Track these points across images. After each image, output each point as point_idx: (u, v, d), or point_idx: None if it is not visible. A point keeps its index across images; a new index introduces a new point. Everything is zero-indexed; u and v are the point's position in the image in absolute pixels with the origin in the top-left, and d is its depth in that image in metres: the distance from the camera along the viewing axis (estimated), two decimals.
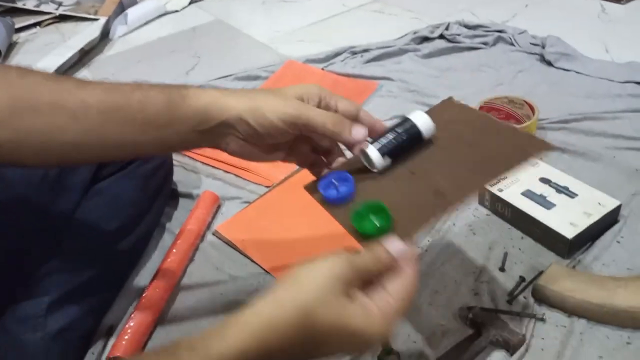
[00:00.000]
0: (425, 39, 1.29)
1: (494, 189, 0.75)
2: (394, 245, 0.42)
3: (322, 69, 1.23)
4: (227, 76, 1.24)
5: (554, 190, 0.74)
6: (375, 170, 0.52)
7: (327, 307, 0.37)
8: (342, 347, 0.39)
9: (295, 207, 0.83)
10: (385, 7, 1.56)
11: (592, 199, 0.71)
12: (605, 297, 0.59)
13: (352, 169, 0.53)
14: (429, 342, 0.61)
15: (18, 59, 1.52)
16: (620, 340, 0.58)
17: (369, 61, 1.24)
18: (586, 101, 0.99)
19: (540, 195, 0.73)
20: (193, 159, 0.98)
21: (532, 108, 0.90)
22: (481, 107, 0.92)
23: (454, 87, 1.10)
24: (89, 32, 1.52)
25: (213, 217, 0.83)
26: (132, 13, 1.62)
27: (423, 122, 0.53)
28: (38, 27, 1.70)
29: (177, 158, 0.90)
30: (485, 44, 1.24)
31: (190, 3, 1.75)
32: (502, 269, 0.68)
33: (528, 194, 0.74)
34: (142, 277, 0.74)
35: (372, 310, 0.38)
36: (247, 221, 0.82)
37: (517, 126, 0.87)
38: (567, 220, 0.69)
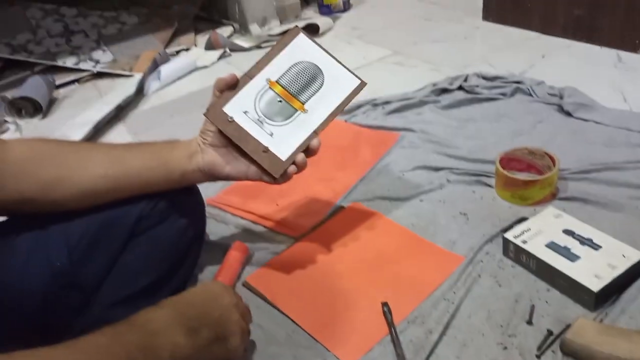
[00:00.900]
0: (445, 91, 1.34)
1: (518, 241, 0.77)
2: None
3: (345, 120, 1.28)
4: None
5: (577, 242, 0.75)
6: None
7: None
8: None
9: (322, 257, 0.85)
10: (404, 59, 1.62)
11: (616, 251, 0.72)
12: (634, 350, 0.59)
13: None
14: None
15: (57, 114, 1.61)
16: None
17: (390, 113, 1.28)
18: (606, 151, 1.01)
19: (565, 247, 0.75)
20: (223, 210, 1.02)
21: (552, 159, 0.92)
22: (502, 159, 0.94)
23: (474, 137, 1.13)
24: (124, 88, 1.61)
25: (243, 268, 0.86)
26: (165, 70, 1.72)
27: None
28: (77, 83, 1.80)
29: (207, 210, 0.94)
30: (503, 94, 1.27)
31: (219, 59, 1.84)
32: (529, 322, 0.69)
33: (552, 246, 0.75)
34: None
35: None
36: (276, 272, 0.84)
37: (539, 177, 0.89)
38: (592, 272, 0.69)
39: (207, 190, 1.03)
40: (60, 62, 1.84)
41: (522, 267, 0.78)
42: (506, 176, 0.90)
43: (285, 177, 0.71)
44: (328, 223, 0.94)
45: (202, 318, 0.58)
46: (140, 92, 1.64)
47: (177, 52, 1.93)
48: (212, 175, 0.73)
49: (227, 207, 1.02)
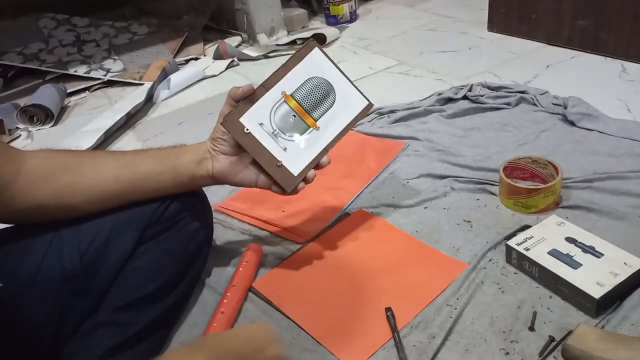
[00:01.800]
0: (450, 100, 1.35)
1: (520, 248, 0.78)
2: None
3: (351, 129, 1.29)
4: None
5: (580, 250, 0.76)
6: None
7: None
8: None
9: (328, 262, 0.87)
10: (410, 69, 1.64)
11: (618, 259, 0.73)
12: (634, 357, 0.60)
13: None
14: None
15: (69, 121, 1.64)
16: None
17: (395, 121, 1.30)
18: (610, 160, 1.02)
19: (567, 255, 0.75)
20: (230, 215, 1.03)
21: (555, 168, 0.93)
22: (505, 167, 0.96)
23: (478, 146, 1.14)
24: (134, 96, 1.64)
25: (257, 270, 0.87)
26: (174, 78, 1.74)
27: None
28: (87, 91, 1.83)
29: (215, 215, 0.96)
30: (508, 104, 1.29)
31: (227, 68, 1.87)
32: (531, 329, 0.70)
33: (554, 253, 0.76)
34: (182, 333, 0.78)
35: None
36: (282, 277, 0.86)
37: (543, 186, 0.90)
38: (594, 280, 0.70)
39: (214, 196, 1.04)
40: (71, 71, 1.87)
41: (525, 274, 0.78)
42: (510, 184, 0.91)
43: (294, 191, 0.75)
44: (333, 229, 0.95)
45: None
46: (149, 100, 1.67)
47: (186, 62, 1.96)
48: (222, 182, 0.75)
49: (234, 213, 1.04)
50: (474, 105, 1.31)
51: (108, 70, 1.90)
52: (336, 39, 2.00)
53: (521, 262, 0.78)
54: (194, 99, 1.68)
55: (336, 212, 0.99)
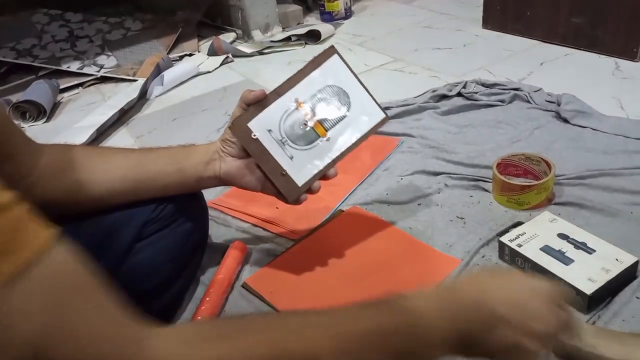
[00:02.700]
0: (444, 97, 1.35)
1: (513, 245, 0.78)
2: None
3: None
4: None
5: (572, 246, 0.76)
6: None
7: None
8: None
9: (322, 259, 0.87)
10: (405, 66, 1.64)
11: (610, 255, 0.73)
12: (625, 353, 0.60)
13: None
14: None
15: (61, 118, 1.63)
16: None
17: (390, 118, 1.29)
18: (603, 157, 1.02)
19: (559, 251, 0.76)
20: (224, 212, 1.03)
21: (549, 164, 0.93)
22: (499, 164, 0.96)
23: (472, 143, 1.14)
24: (127, 92, 1.63)
25: (242, 267, 0.87)
26: (168, 74, 1.74)
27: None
28: (80, 87, 1.82)
29: (209, 212, 0.96)
30: (502, 101, 1.29)
31: (221, 64, 1.86)
32: None
33: (547, 250, 0.76)
34: None
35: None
36: (275, 274, 0.85)
37: (535, 182, 0.90)
38: (586, 276, 0.70)
39: (208, 193, 1.04)
40: (64, 67, 1.86)
41: (517, 270, 0.79)
42: (503, 181, 0.92)
43: (297, 202, 0.74)
44: (327, 226, 0.95)
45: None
46: (143, 97, 1.66)
47: (180, 58, 1.95)
48: (228, 183, 0.75)
49: (227, 210, 1.03)
50: (468, 102, 1.31)
51: (101, 66, 1.88)
52: (331, 36, 2.00)
53: (513, 258, 0.79)
54: (188, 95, 1.67)
55: (330, 209, 0.99)
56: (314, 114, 0.74)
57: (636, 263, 0.72)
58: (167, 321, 0.78)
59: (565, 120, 1.17)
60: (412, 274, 0.81)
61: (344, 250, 0.88)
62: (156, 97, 1.67)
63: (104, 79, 1.85)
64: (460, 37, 1.81)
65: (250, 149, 0.71)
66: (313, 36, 1.95)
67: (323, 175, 0.74)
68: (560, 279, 0.71)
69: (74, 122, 1.50)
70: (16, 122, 1.57)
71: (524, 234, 0.80)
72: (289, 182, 0.72)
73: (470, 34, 1.82)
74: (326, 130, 0.74)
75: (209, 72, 1.82)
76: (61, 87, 1.77)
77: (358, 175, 1.08)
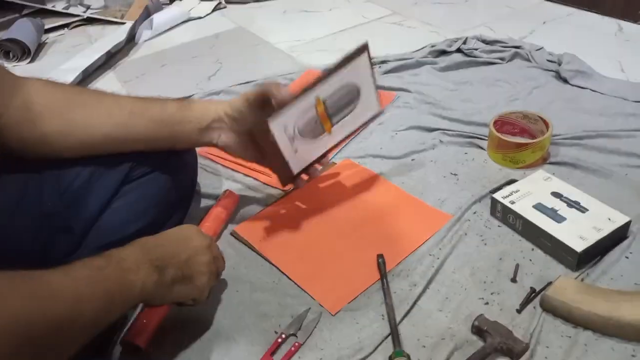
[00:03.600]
0: (443, 53, 1.32)
1: (506, 201, 0.78)
2: None
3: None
4: (247, 82, 1.28)
5: (565, 205, 0.76)
6: None
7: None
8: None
9: (313, 210, 0.86)
10: (404, 19, 1.59)
11: (602, 215, 0.73)
12: (611, 309, 0.60)
13: None
14: (437, 346, 0.63)
15: (46, 59, 1.57)
16: (625, 353, 0.60)
17: (386, 72, 1.26)
18: (600, 119, 1.01)
19: (552, 209, 0.75)
20: (214, 161, 1.01)
21: (546, 123, 0.92)
22: (496, 121, 0.94)
23: (470, 101, 1.12)
24: (115, 35, 1.57)
25: (232, 216, 0.86)
26: (158, 18, 1.67)
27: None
28: (66, 29, 1.75)
29: (199, 161, 0.94)
30: (502, 59, 1.26)
31: (213, 10, 1.79)
32: (513, 280, 0.70)
33: (539, 207, 0.76)
34: None
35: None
36: (265, 223, 0.84)
37: (532, 140, 0.89)
38: (577, 234, 0.70)
39: None
40: (49, 6, 1.78)
41: (509, 227, 0.78)
42: (499, 138, 0.90)
43: (288, 186, 0.78)
44: (319, 177, 0.93)
45: (169, 258, 0.59)
46: (131, 40, 1.60)
47: (171, 1, 1.87)
48: (223, 151, 0.75)
49: (218, 159, 1.01)
50: (468, 59, 1.28)
51: (88, 7, 1.81)
52: None
53: (505, 215, 0.78)
54: (178, 41, 1.61)
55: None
56: (327, 111, 0.75)
57: (628, 223, 0.72)
58: None
59: (565, 81, 1.15)
60: (402, 227, 0.81)
61: (335, 201, 0.87)
62: (145, 41, 1.61)
63: (90, 21, 1.77)
64: None
65: (262, 142, 0.71)
66: None
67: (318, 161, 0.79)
68: (552, 236, 0.71)
69: (59, 63, 1.44)
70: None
71: (517, 191, 0.79)
72: (286, 171, 0.75)
73: None
74: (332, 126, 0.78)
75: (201, 17, 1.75)
76: (46, 27, 1.70)
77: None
